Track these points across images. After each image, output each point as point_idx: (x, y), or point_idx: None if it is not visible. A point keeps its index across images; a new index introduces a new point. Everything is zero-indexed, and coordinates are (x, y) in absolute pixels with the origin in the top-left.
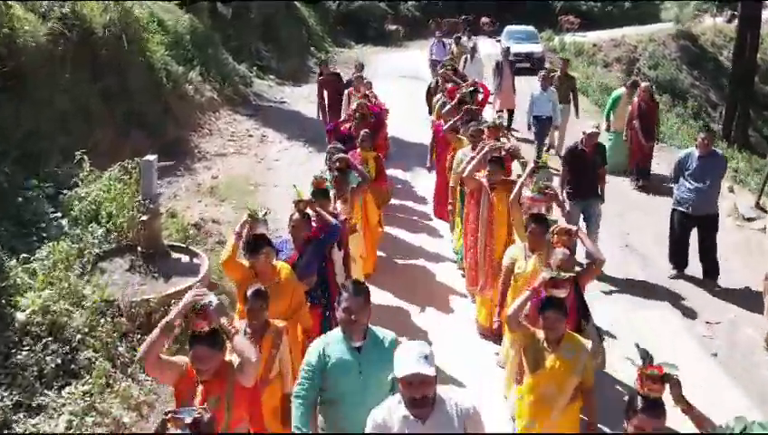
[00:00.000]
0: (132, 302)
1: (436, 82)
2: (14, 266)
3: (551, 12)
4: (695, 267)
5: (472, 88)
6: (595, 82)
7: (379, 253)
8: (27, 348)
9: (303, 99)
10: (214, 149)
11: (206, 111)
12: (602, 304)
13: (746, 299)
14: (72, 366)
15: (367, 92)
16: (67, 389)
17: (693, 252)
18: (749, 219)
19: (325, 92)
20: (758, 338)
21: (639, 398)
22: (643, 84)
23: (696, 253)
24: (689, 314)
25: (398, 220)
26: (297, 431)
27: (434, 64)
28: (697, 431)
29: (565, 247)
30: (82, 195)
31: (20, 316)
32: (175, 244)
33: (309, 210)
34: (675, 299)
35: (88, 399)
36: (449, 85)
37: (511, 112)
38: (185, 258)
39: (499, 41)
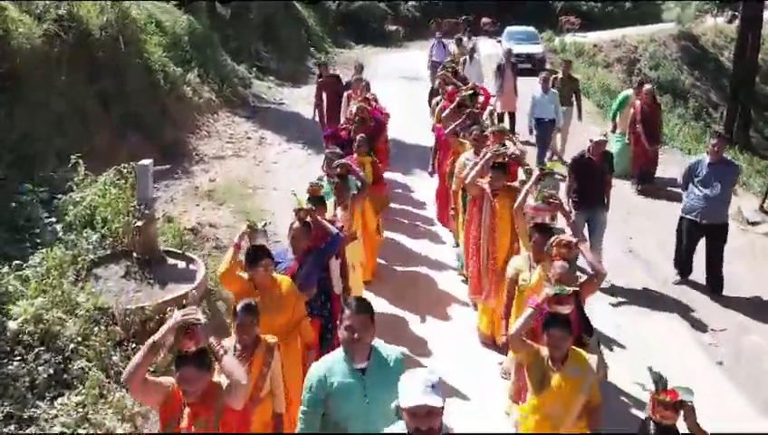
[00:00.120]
0: (127, 310)
1: (438, 85)
2: (7, 274)
3: (551, 12)
4: (699, 273)
5: (471, 91)
6: (596, 83)
7: (379, 259)
8: (19, 358)
9: (303, 100)
10: (212, 151)
11: (204, 112)
12: (607, 312)
13: (752, 305)
14: (65, 376)
15: (368, 96)
16: (59, 400)
17: (698, 257)
18: (753, 223)
19: (324, 95)
20: (764, 345)
21: (652, 423)
22: (645, 87)
23: (701, 258)
24: (694, 321)
25: (398, 225)
26: None
27: (434, 66)
28: None
29: (564, 260)
30: (77, 199)
31: (12, 325)
32: (171, 250)
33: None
34: (679, 306)
35: (81, 410)
36: (449, 88)
37: (512, 115)
38: (181, 264)
39: (500, 41)
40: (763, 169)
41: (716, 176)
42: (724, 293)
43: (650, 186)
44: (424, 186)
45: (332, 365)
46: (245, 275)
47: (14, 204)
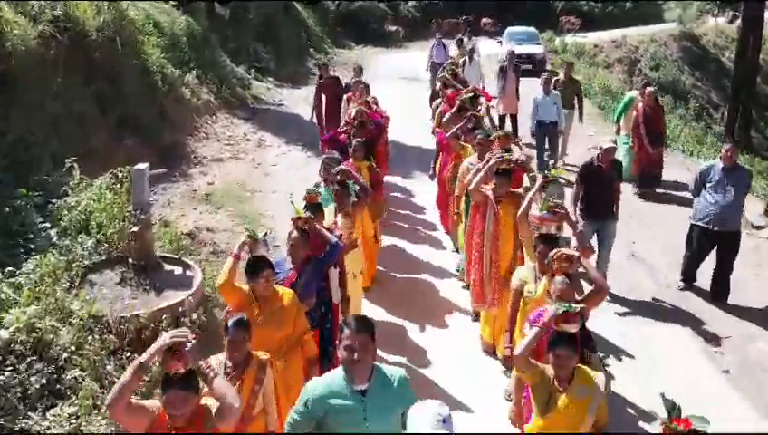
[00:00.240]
0: (122, 317)
1: (439, 88)
2: None
3: (551, 12)
4: (704, 279)
5: (472, 94)
6: (597, 83)
7: (379, 266)
8: (10, 367)
9: (302, 101)
10: (210, 153)
11: (202, 114)
12: (612, 321)
13: (757, 311)
14: (58, 386)
15: (368, 99)
16: (52, 411)
17: (702, 263)
18: (758, 227)
19: (323, 97)
20: None
21: None
22: (648, 89)
23: (706, 264)
24: (699, 328)
25: (398, 230)
26: None
27: (434, 68)
28: None
29: (565, 274)
30: (72, 204)
31: (3, 334)
32: (167, 255)
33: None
34: (684, 313)
35: (74, 421)
36: (449, 91)
37: (513, 117)
38: (177, 270)
39: (500, 42)
40: (765, 169)
41: (730, 181)
42: (729, 300)
43: (650, 190)
44: (424, 189)
45: (331, 384)
46: (246, 287)
47: (7, 209)
